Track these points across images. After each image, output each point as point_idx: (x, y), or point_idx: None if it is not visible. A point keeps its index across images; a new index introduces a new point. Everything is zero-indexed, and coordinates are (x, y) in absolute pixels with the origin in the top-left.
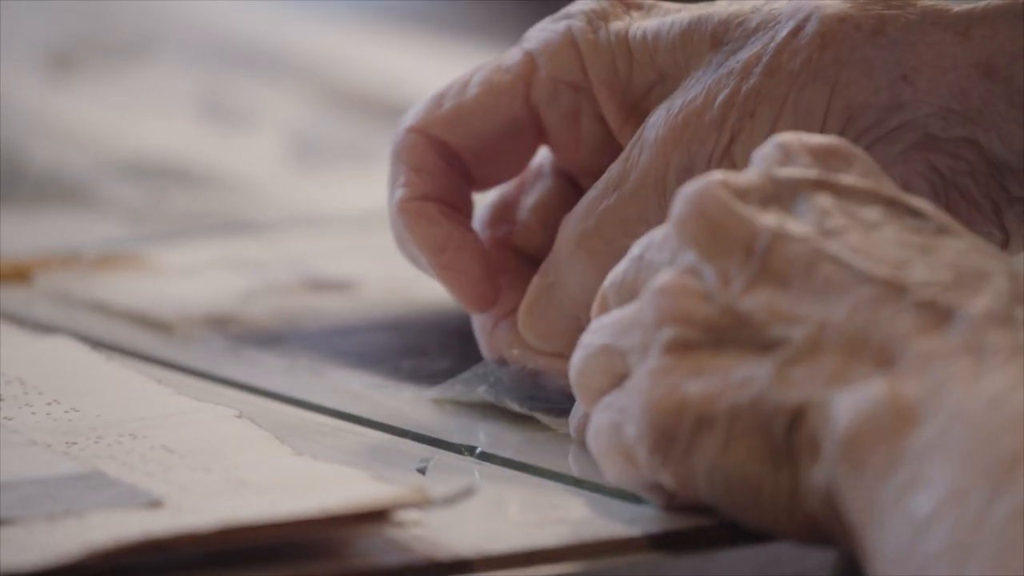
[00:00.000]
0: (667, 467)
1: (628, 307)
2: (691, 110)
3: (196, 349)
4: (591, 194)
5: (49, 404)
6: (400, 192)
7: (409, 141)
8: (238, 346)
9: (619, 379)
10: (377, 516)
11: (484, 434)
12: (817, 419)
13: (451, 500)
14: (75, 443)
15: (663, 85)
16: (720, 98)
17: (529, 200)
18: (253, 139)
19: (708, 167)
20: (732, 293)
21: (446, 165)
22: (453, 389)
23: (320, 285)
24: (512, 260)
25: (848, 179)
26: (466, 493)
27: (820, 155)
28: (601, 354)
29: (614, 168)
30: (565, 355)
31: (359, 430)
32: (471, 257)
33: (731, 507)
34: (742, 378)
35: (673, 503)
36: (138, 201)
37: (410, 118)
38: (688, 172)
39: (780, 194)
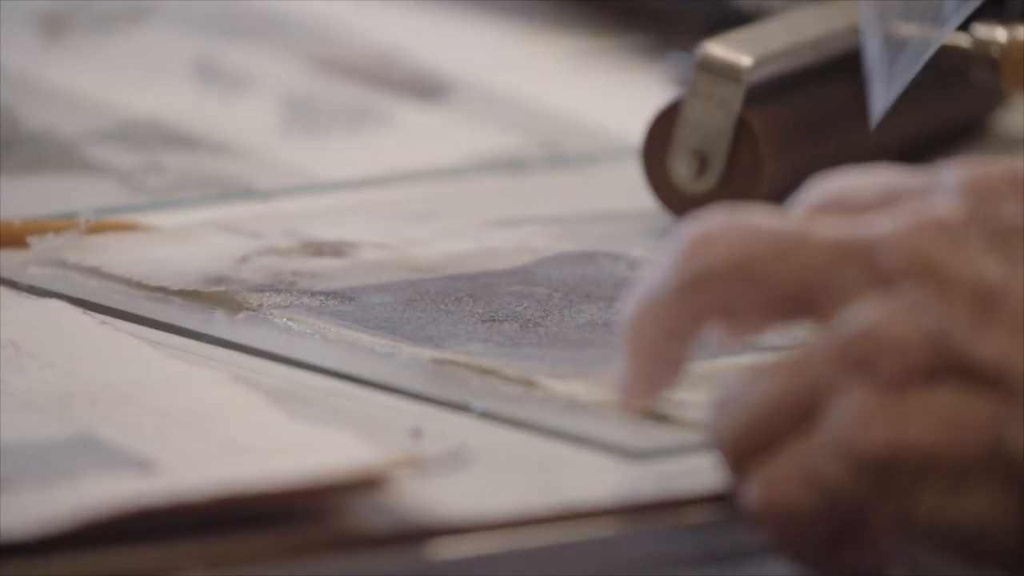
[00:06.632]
0: (881, 510)
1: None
2: None
3: (191, 312)
4: None
5: (43, 368)
6: None
7: None
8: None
9: (792, 426)
10: (370, 481)
11: (482, 394)
12: None
13: (446, 464)
14: (69, 407)
15: None
16: None
17: None
18: (250, 104)
19: None
20: (958, 336)
21: None
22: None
23: (317, 248)
24: None
25: None
26: (461, 458)
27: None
28: (767, 409)
29: None
30: None
31: (355, 392)
32: None
33: (955, 548)
34: (974, 420)
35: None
36: (133, 166)
37: None
38: None
39: (997, 234)
